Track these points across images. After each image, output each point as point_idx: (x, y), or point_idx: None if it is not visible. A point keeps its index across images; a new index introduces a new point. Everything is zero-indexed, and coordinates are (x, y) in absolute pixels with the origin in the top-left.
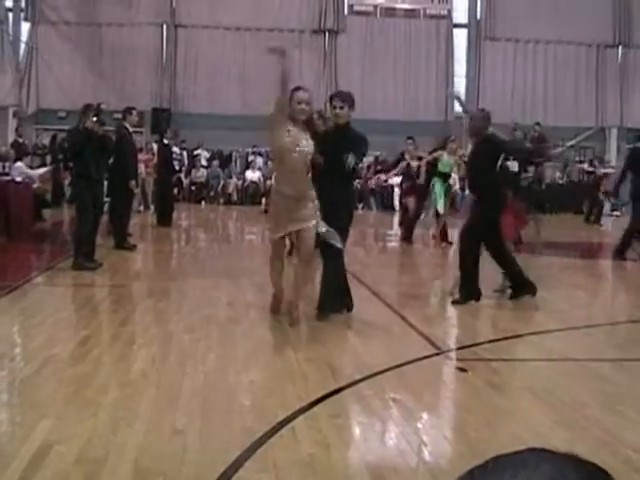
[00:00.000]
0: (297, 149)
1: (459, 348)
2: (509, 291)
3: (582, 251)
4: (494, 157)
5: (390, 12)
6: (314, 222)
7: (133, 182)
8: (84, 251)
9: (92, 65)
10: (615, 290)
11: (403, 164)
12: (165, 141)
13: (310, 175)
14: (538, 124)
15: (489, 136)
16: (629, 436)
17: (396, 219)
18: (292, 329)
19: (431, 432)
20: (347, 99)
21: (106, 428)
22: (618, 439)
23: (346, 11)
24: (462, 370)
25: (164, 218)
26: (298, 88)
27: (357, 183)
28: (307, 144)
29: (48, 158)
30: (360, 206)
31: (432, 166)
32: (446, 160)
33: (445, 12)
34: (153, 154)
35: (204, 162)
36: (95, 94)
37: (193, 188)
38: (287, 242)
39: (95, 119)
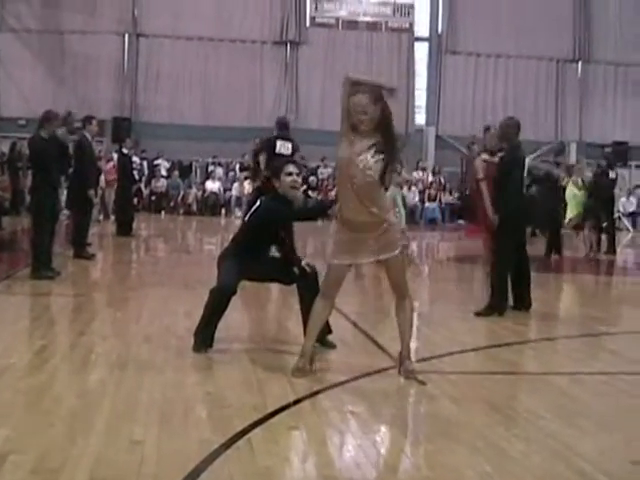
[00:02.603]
0: (359, 163)
1: (418, 361)
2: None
3: (541, 265)
4: (522, 167)
5: (352, 25)
6: (398, 250)
7: (92, 191)
8: (42, 260)
9: (53, 73)
10: (574, 303)
11: None
12: (125, 150)
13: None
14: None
15: (519, 144)
16: (584, 448)
17: None
18: (252, 341)
19: (388, 445)
20: None
21: (63, 438)
22: (574, 451)
23: (308, 23)
24: (420, 383)
25: (124, 228)
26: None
27: (317, 195)
28: (371, 157)
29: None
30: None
31: None
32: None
33: (407, 25)
34: (114, 165)
35: (164, 172)
36: (56, 102)
37: (153, 198)
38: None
39: (65, 129)
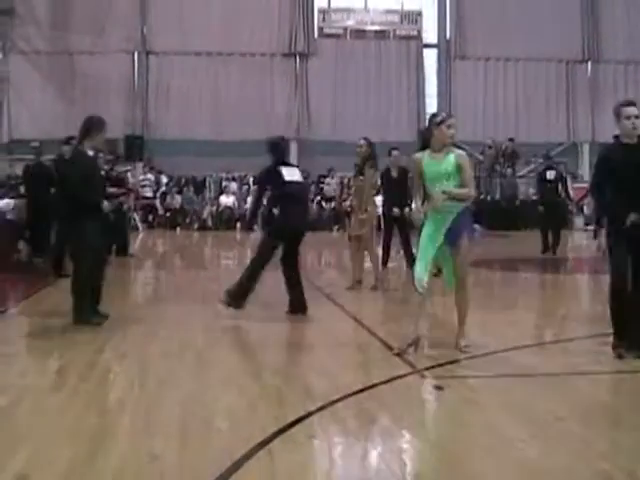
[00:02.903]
0: None
1: (434, 366)
2: None
3: (555, 267)
4: None
5: (360, 34)
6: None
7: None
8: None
9: (64, 94)
10: (587, 303)
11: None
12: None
13: None
14: (511, 140)
15: None
16: (604, 448)
17: None
18: (269, 352)
19: (408, 451)
20: None
21: (84, 456)
22: (594, 451)
23: (316, 34)
24: (438, 388)
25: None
26: None
27: (332, 205)
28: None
29: (22, 188)
30: (336, 228)
31: None
32: None
33: (415, 33)
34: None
35: (164, 187)
36: (67, 123)
37: (168, 214)
38: None
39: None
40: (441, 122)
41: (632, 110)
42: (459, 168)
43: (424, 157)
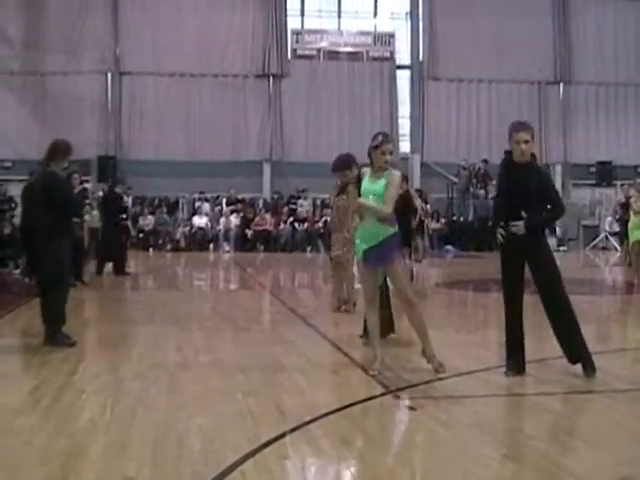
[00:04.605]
0: None
1: (407, 387)
2: None
3: (527, 287)
4: None
5: (333, 55)
6: None
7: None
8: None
9: (36, 114)
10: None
11: None
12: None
13: None
14: (484, 161)
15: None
16: (574, 465)
17: None
18: (242, 373)
19: (381, 471)
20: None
21: (56, 478)
22: (563, 469)
23: (289, 55)
24: (411, 408)
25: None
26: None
27: (305, 226)
28: None
29: None
30: (308, 249)
31: None
32: None
33: (388, 54)
34: None
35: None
36: (40, 144)
37: (141, 235)
38: None
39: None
40: (376, 147)
41: (522, 136)
42: (386, 187)
43: (367, 173)
